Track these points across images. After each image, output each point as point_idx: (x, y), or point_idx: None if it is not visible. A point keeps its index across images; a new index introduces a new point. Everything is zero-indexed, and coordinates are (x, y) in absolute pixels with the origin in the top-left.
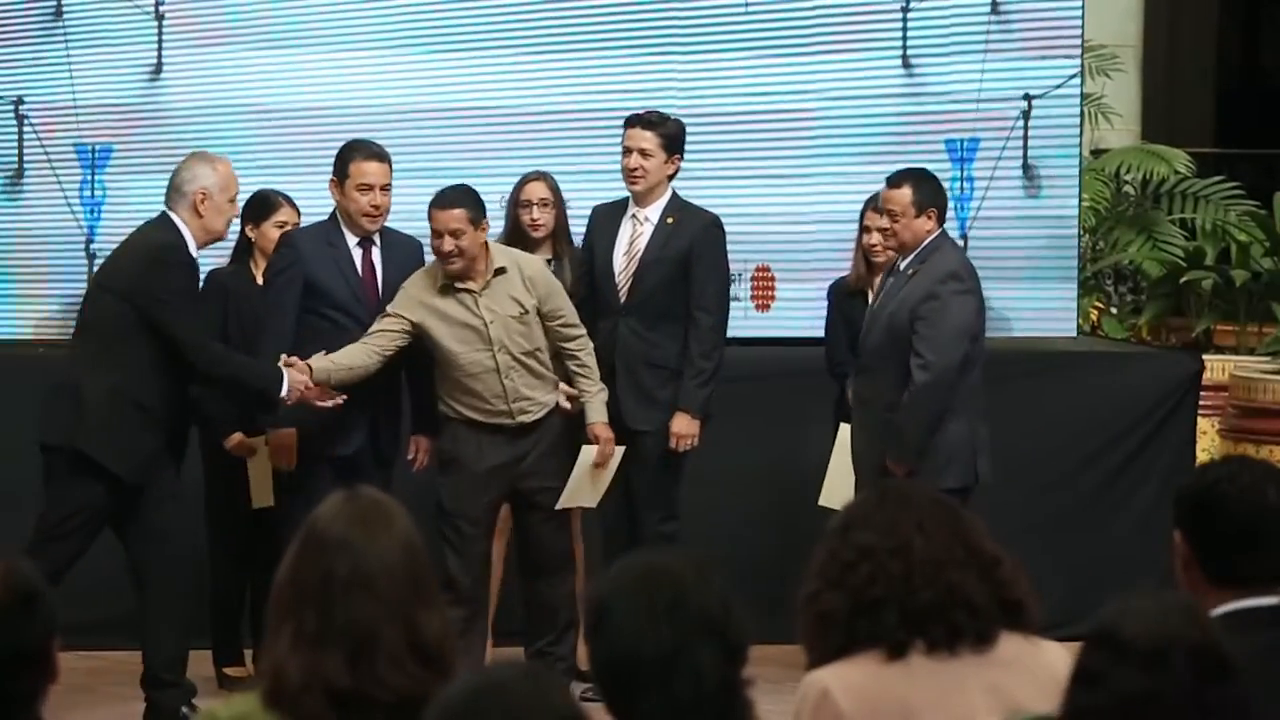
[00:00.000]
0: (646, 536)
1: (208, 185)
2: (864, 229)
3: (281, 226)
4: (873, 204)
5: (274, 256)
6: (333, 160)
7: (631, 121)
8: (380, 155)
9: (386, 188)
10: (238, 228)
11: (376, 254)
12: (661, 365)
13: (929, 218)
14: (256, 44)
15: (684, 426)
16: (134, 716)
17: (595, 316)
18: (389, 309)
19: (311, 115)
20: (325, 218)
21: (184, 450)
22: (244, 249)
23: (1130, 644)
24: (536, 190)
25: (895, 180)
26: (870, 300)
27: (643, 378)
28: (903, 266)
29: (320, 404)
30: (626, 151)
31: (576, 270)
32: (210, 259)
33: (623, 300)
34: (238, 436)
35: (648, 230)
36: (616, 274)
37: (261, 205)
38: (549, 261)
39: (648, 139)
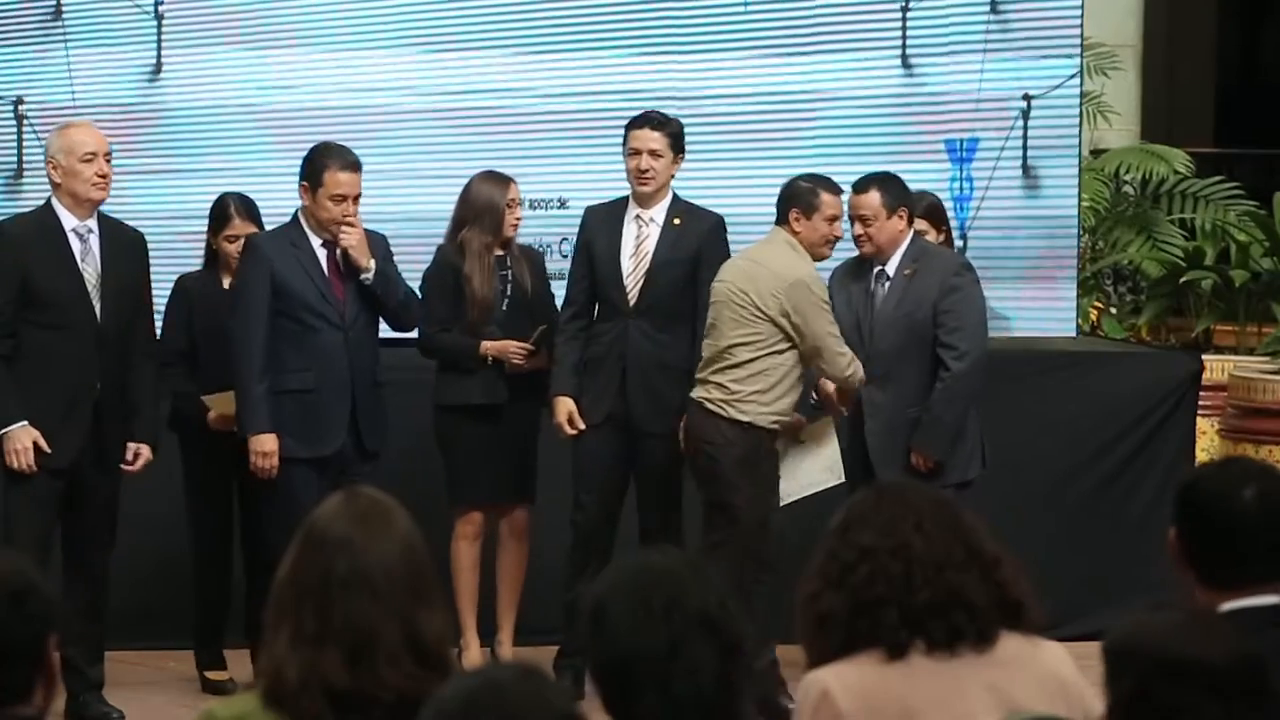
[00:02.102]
0: (653, 536)
1: (54, 152)
2: None
3: (232, 241)
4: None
5: (239, 264)
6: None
7: (639, 122)
8: (355, 165)
9: (359, 197)
10: (203, 236)
11: (338, 253)
12: (672, 367)
13: (900, 218)
14: (256, 44)
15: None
16: (134, 715)
17: (598, 319)
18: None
19: (311, 114)
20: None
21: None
22: (211, 257)
23: (1210, 667)
24: (517, 190)
25: (861, 186)
26: (851, 304)
27: (654, 380)
28: (893, 270)
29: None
30: (635, 153)
31: (575, 272)
32: (179, 266)
33: (633, 303)
34: (215, 412)
35: (654, 232)
36: (625, 276)
37: (218, 218)
38: (503, 259)
39: (656, 139)
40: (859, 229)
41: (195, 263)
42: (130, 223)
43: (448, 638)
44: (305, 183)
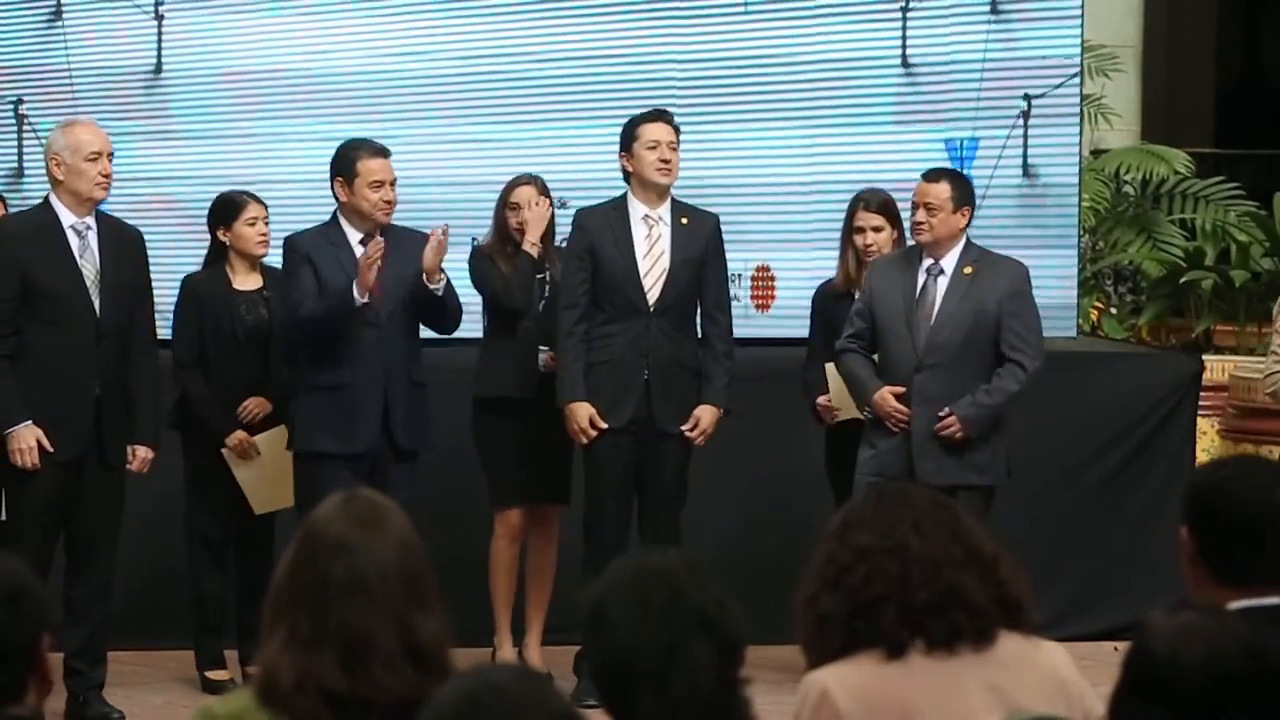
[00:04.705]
0: (666, 535)
1: (57, 149)
2: (856, 229)
3: (252, 224)
4: (863, 204)
5: (283, 264)
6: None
7: (653, 117)
8: (384, 151)
9: (394, 182)
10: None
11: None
12: (688, 366)
13: (963, 215)
14: (256, 45)
15: (712, 422)
16: (134, 716)
17: (608, 320)
18: None
19: (311, 114)
20: (326, 218)
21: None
22: (218, 253)
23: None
24: (526, 193)
25: (934, 175)
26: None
27: (674, 379)
28: (949, 266)
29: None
30: (655, 145)
31: (575, 275)
32: (185, 264)
33: (653, 303)
34: (240, 435)
35: (665, 231)
36: (643, 275)
37: (229, 206)
38: (540, 262)
39: (673, 135)
40: (921, 216)
41: (194, 263)
42: (131, 220)
43: (445, 640)
44: (339, 178)
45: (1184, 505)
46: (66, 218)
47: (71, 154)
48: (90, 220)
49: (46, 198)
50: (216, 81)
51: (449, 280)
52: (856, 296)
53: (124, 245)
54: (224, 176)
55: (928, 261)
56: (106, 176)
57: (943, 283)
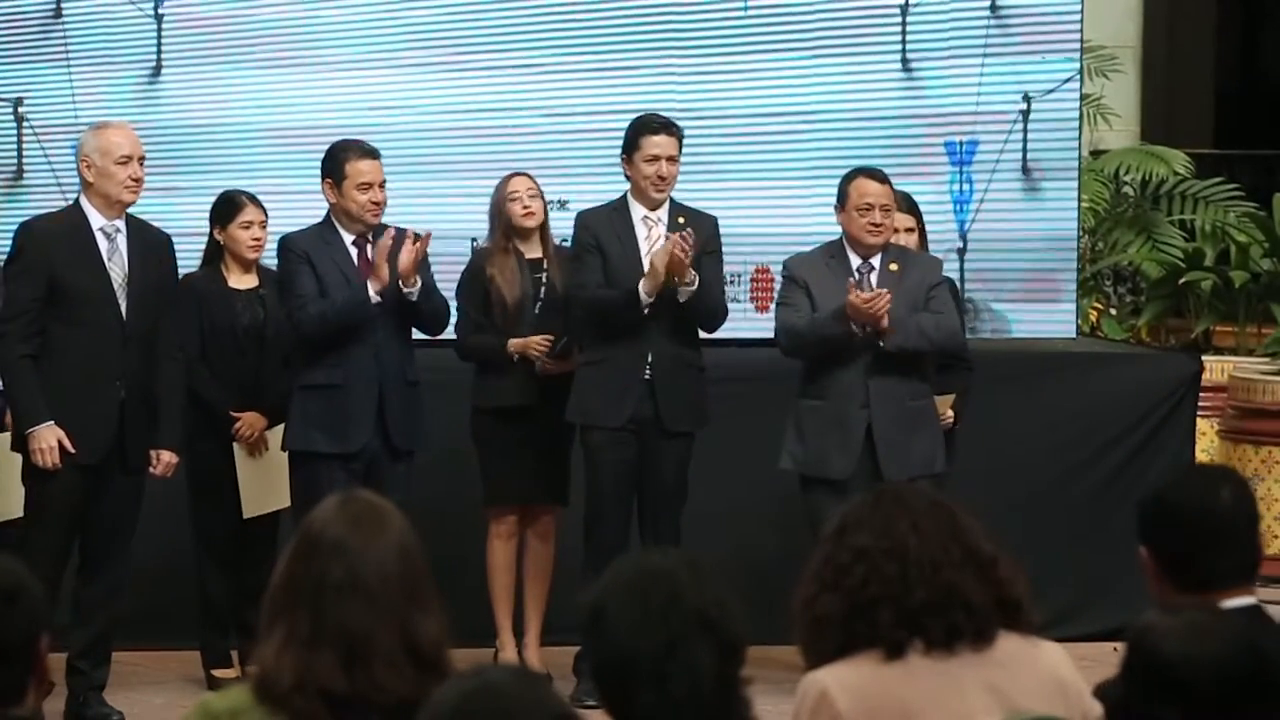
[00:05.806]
0: (666, 535)
1: (88, 151)
2: None
3: (246, 227)
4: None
5: (280, 265)
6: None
7: (655, 128)
8: (373, 152)
9: (383, 184)
10: (206, 230)
11: (370, 250)
12: (690, 364)
13: None
14: (255, 43)
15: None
16: (132, 716)
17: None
18: None
19: (310, 112)
20: (319, 218)
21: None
22: (214, 252)
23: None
24: (524, 183)
25: (881, 176)
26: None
27: (680, 378)
28: (879, 264)
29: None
30: (654, 159)
31: (590, 266)
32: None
33: (654, 301)
34: (253, 419)
35: (663, 231)
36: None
37: (226, 207)
38: (540, 262)
39: (673, 145)
40: (880, 217)
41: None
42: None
43: (445, 640)
44: (329, 180)
45: (1138, 525)
46: (96, 220)
47: (102, 156)
48: (120, 223)
49: (77, 199)
50: (216, 81)
51: (433, 283)
52: (783, 288)
53: (152, 248)
54: (225, 175)
55: (856, 261)
56: (137, 180)
57: (874, 280)
